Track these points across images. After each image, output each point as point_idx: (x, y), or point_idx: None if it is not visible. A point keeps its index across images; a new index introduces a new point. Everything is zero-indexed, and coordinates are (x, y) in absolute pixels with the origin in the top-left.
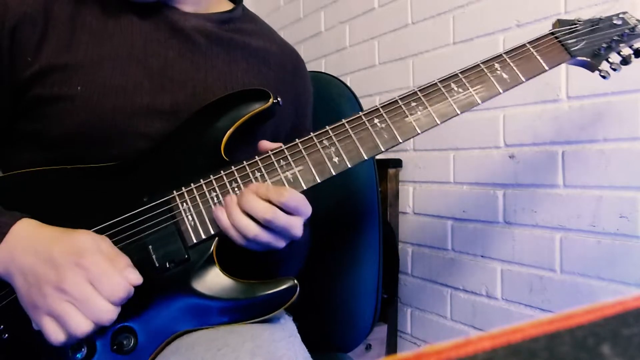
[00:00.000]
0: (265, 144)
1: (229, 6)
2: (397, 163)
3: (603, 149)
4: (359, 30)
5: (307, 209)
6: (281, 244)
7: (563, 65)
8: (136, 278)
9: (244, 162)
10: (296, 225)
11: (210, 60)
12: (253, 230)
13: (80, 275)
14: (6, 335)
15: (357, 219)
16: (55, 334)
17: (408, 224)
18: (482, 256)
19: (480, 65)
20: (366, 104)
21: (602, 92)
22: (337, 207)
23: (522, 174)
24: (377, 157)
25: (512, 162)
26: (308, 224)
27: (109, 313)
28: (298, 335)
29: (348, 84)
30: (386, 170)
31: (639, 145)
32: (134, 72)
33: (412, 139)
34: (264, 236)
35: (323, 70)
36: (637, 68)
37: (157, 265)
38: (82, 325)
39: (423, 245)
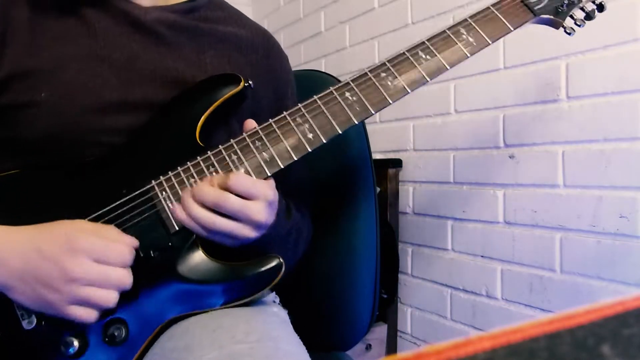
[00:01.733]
0: (250, 123)
1: None
2: (397, 163)
3: (603, 149)
4: (359, 30)
5: (262, 191)
6: (248, 232)
7: (563, 65)
8: (131, 239)
9: (220, 146)
10: (254, 209)
11: (177, 50)
12: (209, 218)
13: (82, 259)
14: None
15: (354, 217)
16: (88, 316)
17: (408, 224)
18: (482, 256)
19: (447, 31)
20: None
21: (602, 92)
22: (335, 205)
23: (522, 174)
24: (377, 157)
25: (512, 162)
26: (298, 213)
27: (127, 277)
28: (290, 324)
29: None
30: (386, 170)
31: (639, 145)
32: (100, 70)
33: (412, 139)
34: (223, 224)
35: (323, 70)
36: (638, 68)
37: (142, 254)
38: (110, 298)
39: (423, 245)
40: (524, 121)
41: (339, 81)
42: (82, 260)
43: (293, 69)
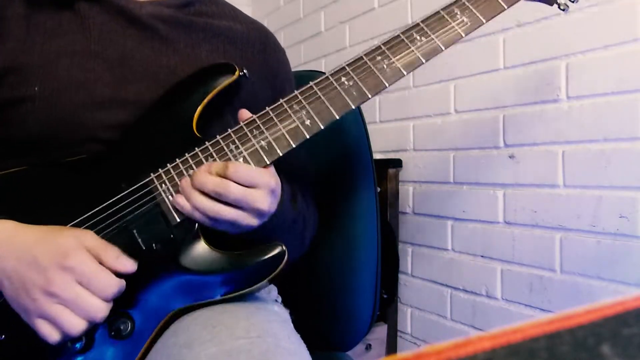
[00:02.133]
0: (244, 113)
1: None
2: (397, 163)
3: (603, 149)
4: (359, 30)
5: (262, 179)
6: (251, 220)
7: (563, 65)
8: (130, 265)
9: (217, 136)
10: (256, 197)
11: (172, 45)
12: (212, 207)
13: (67, 277)
14: (3, 336)
15: (355, 217)
16: (50, 335)
17: (408, 224)
18: (482, 256)
19: (441, 12)
20: (366, 103)
21: (602, 92)
22: (335, 205)
23: (522, 174)
24: (377, 157)
25: (512, 162)
26: (304, 202)
27: (101, 310)
28: (291, 323)
29: None
30: (386, 170)
31: (639, 145)
32: (93, 66)
33: (412, 139)
34: (227, 212)
35: (323, 70)
36: (638, 68)
37: (144, 247)
38: (76, 325)
39: (423, 245)
40: (524, 121)
41: None
42: (66, 278)
43: (293, 69)
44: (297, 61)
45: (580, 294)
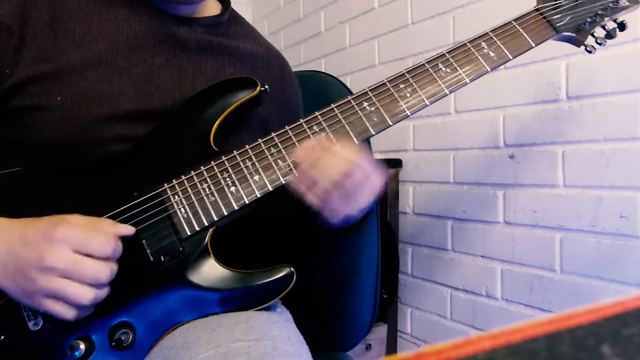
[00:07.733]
0: None
1: (218, 9)
2: (397, 163)
3: (603, 149)
4: (359, 30)
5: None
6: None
7: (563, 65)
8: (127, 228)
9: (234, 151)
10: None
11: (199, 66)
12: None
13: (60, 247)
14: (2, 337)
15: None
16: (64, 312)
17: (408, 224)
18: (482, 256)
19: (467, 44)
20: None
21: (602, 92)
22: None
23: (522, 174)
24: (377, 157)
25: (512, 162)
26: None
27: (103, 270)
28: (293, 322)
29: (348, 84)
30: (386, 170)
31: (639, 145)
32: (118, 80)
33: (412, 139)
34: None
35: (323, 70)
36: (637, 68)
37: (152, 259)
38: (84, 294)
39: (423, 245)
40: (524, 121)
41: (342, 82)
42: (60, 249)
43: (293, 69)
44: (297, 61)
45: (580, 294)
